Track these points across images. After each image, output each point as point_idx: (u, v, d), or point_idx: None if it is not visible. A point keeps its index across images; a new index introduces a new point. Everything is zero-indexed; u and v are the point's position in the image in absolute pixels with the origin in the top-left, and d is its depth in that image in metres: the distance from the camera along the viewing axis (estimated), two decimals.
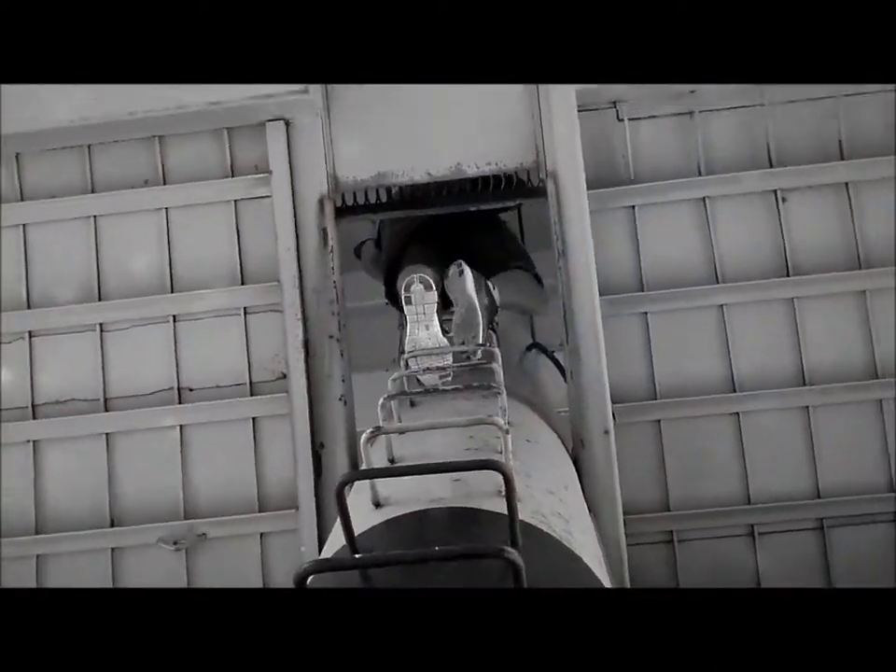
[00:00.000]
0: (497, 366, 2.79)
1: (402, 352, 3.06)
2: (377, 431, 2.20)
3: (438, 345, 3.02)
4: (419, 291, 3.00)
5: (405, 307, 3.04)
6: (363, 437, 2.15)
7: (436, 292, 3.03)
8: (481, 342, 3.03)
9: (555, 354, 3.73)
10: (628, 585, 3.09)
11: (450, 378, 3.00)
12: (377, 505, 2.09)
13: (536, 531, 1.97)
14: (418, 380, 3.02)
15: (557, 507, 2.21)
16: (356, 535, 1.81)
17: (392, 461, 2.17)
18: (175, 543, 3.31)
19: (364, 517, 2.02)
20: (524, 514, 1.93)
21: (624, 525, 3.16)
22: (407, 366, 2.93)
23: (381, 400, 2.45)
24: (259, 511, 3.33)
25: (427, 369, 2.96)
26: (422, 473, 2.07)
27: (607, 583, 2.08)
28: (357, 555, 1.76)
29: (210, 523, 3.33)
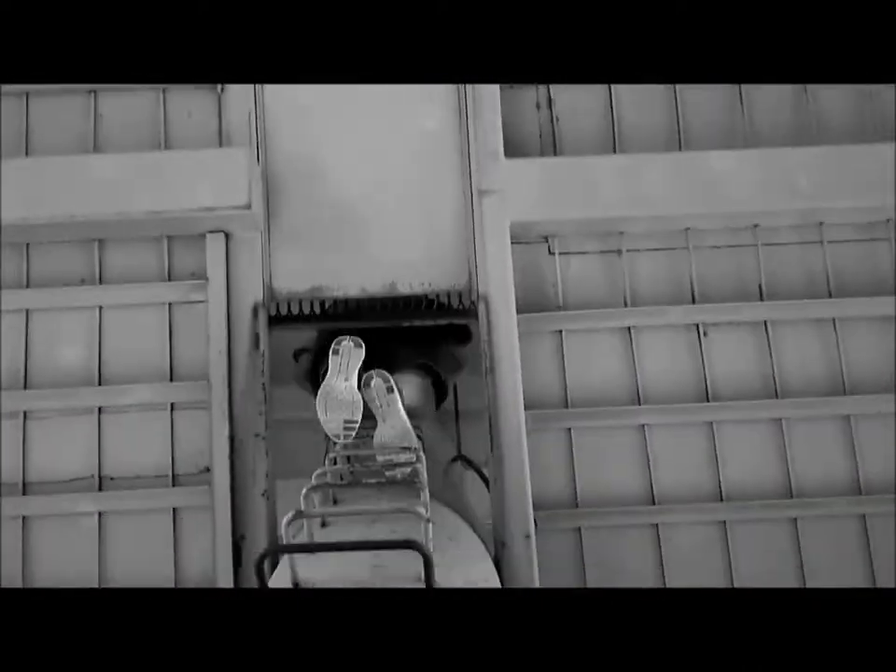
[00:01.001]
0: (422, 466, 2.82)
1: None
2: (298, 515, 2.23)
3: (352, 399, 3.05)
4: (348, 347, 3.06)
5: (331, 357, 3.08)
6: (284, 520, 2.17)
7: (363, 350, 3.09)
8: (414, 459, 3.02)
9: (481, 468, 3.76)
10: None
11: (354, 433, 3.06)
12: (296, 586, 2.10)
13: None
14: (341, 476, 3.02)
15: None
16: None
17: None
18: None
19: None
20: None
21: None
22: (334, 461, 2.96)
23: (304, 490, 2.47)
24: None
25: (347, 421, 3.02)
26: (342, 550, 2.11)
27: None
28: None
29: None
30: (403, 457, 3.00)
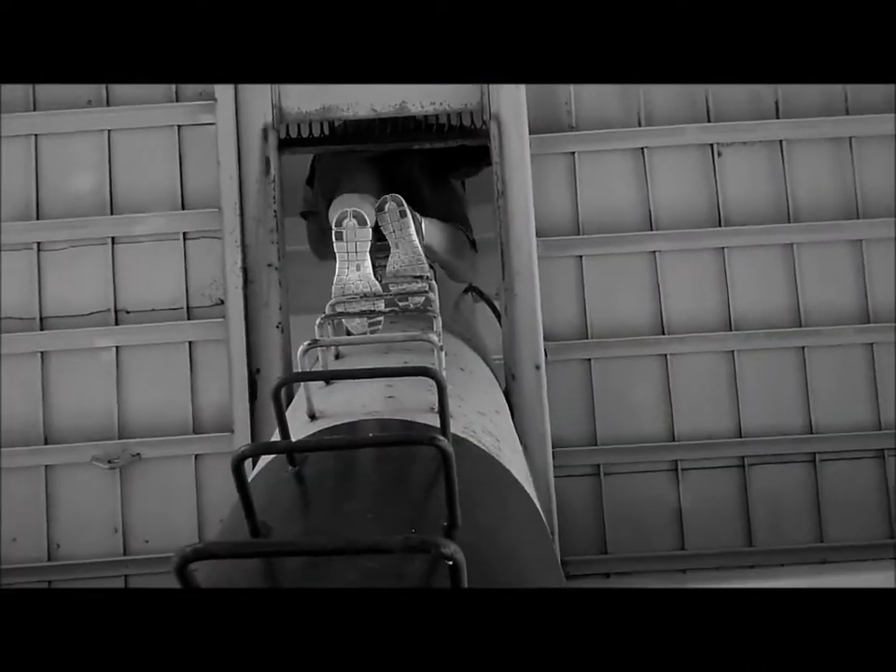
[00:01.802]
0: (434, 295, 2.81)
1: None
2: (314, 344, 2.25)
3: (370, 289, 2.84)
4: (351, 227, 2.82)
5: (335, 244, 2.85)
6: (299, 349, 2.19)
7: (370, 229, 2.87)
8: (427, 288, 2.89)
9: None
10: (555, 514, 3.18)
11: (380, 326, 2.87)
12: (312, 417, 2.13)
13: (466, 443, 2.02)
14: (348, 331, 2.93)
15: (488, 426, 2.27)
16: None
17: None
18: (108, 462, 3.31)
19: (299, 429, 2.07)
20: (455, 429, 1.98)
21: (553, 457, 3.24)
22: (333, 310, 2.74)
23: (318, 320, 2.47)
24: (194, 433, 3.35)
25: (361, 312, 2.81)
26: (356, 378, 2.13)
27: (534, 498, 2.15)
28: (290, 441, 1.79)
29: (144, 443, 3.34)
30: (416, 286, 2.95)
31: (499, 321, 3.45)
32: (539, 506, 2.15)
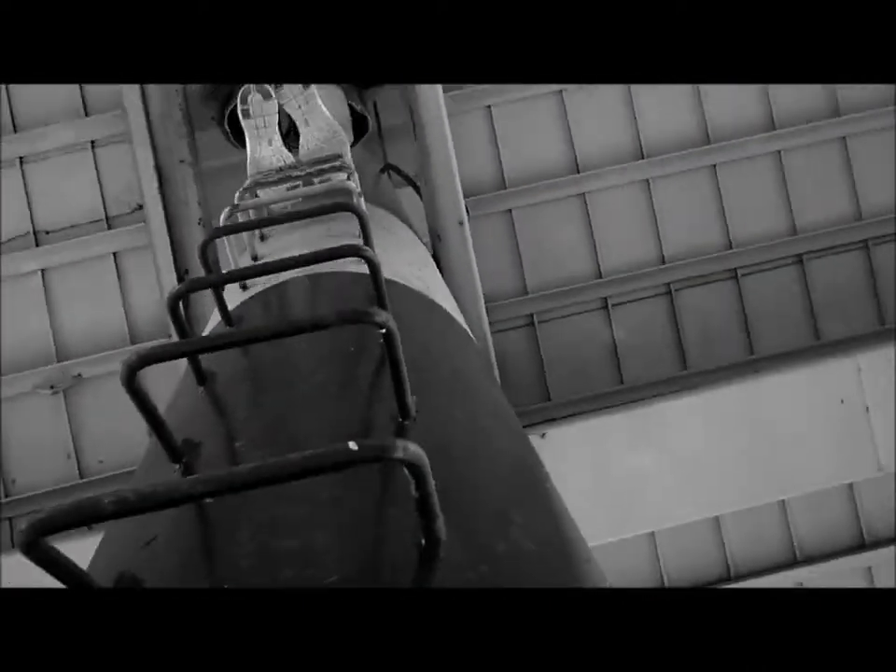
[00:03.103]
0: (347, 156, 2.75)
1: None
2: (235, 208, 2.21)
3: (284, 162, 2.70)
4: (257, 101, 2.67)
5: (243, 122, 2.70)
6: (222, 215, 2.15)
7: (276, 102, 2.70)
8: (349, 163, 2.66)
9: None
10: (496, 368, 3.22)
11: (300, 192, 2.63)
12: (244, 288, 2.14)
13: (398, 286, 2.05)
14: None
15: (417, 274, 2.29)
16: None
17: (255, 258, 2.16)
18: (51, 387, 3.30)
19: (234, 298, 2.07)
20: (385, 275, 2.00)
21: (486, 313, 3.25)
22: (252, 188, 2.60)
23: (237, 194, 2.39)
24: (132, 344, 3.31)
25: (279, 179, 2.61)
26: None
27: (469, 334, 2.19)
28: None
29: (83, 363, 3.32)
30: (336, 177, 2.58)
31: (419, 195, 3.43)
32: (475, 341, 2.18)
